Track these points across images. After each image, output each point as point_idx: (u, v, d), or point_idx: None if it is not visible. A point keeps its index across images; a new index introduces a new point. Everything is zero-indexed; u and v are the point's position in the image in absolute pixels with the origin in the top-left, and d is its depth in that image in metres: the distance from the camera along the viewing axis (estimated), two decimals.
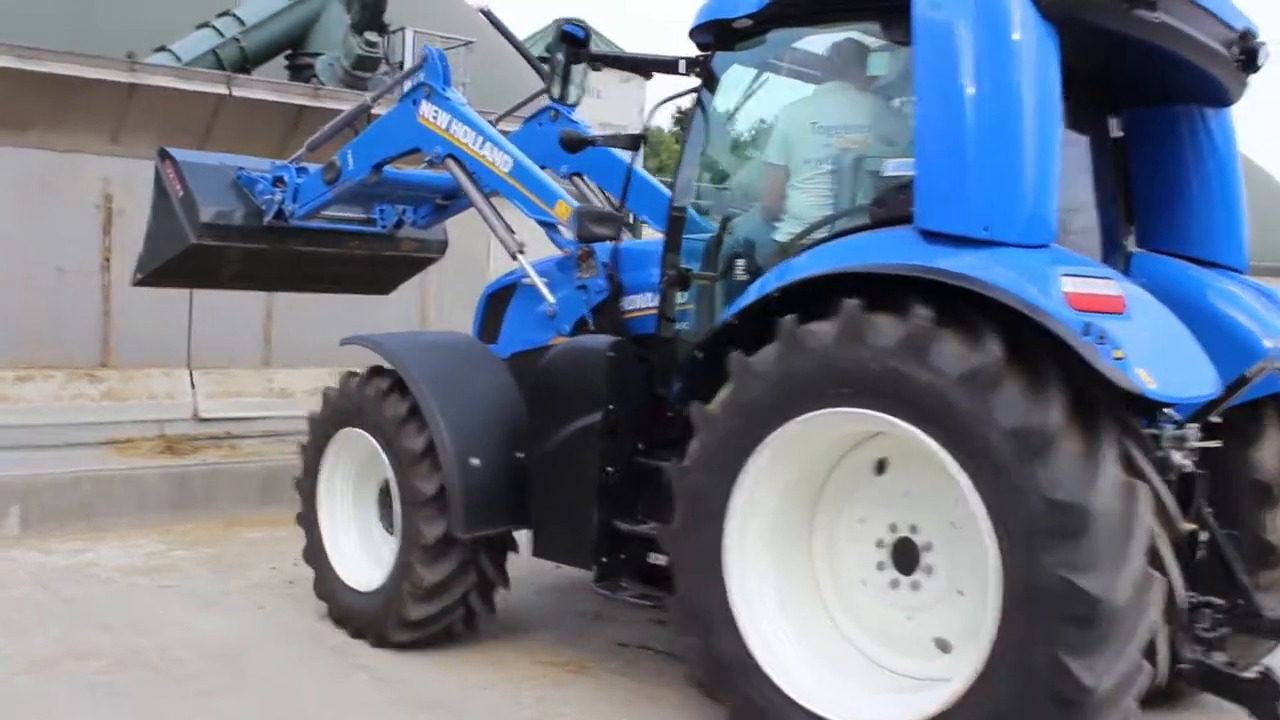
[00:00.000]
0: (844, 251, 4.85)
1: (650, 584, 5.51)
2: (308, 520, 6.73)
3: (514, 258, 6.52)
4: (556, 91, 6.14)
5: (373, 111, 7.84)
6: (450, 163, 6.79)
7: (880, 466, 4.96)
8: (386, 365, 6.30)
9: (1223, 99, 5.54)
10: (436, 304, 13.63)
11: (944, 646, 4.73)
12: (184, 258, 8.13)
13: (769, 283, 4.93)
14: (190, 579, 7.37)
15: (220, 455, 9.85)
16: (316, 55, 15.00)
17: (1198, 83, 5.32)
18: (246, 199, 8.05)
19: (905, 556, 4.80)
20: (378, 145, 7.23)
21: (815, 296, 4.64)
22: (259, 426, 11.25)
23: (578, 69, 6.12)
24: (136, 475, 9.03)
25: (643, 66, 6.53)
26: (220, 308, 11.01)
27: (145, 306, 10.90)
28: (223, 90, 11.07)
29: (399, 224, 8.44)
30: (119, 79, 10.52)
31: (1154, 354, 4.29)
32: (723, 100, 5.79)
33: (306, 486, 6.74)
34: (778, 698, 4.69)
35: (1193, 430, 4.75)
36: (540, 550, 5.95)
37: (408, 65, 16.04)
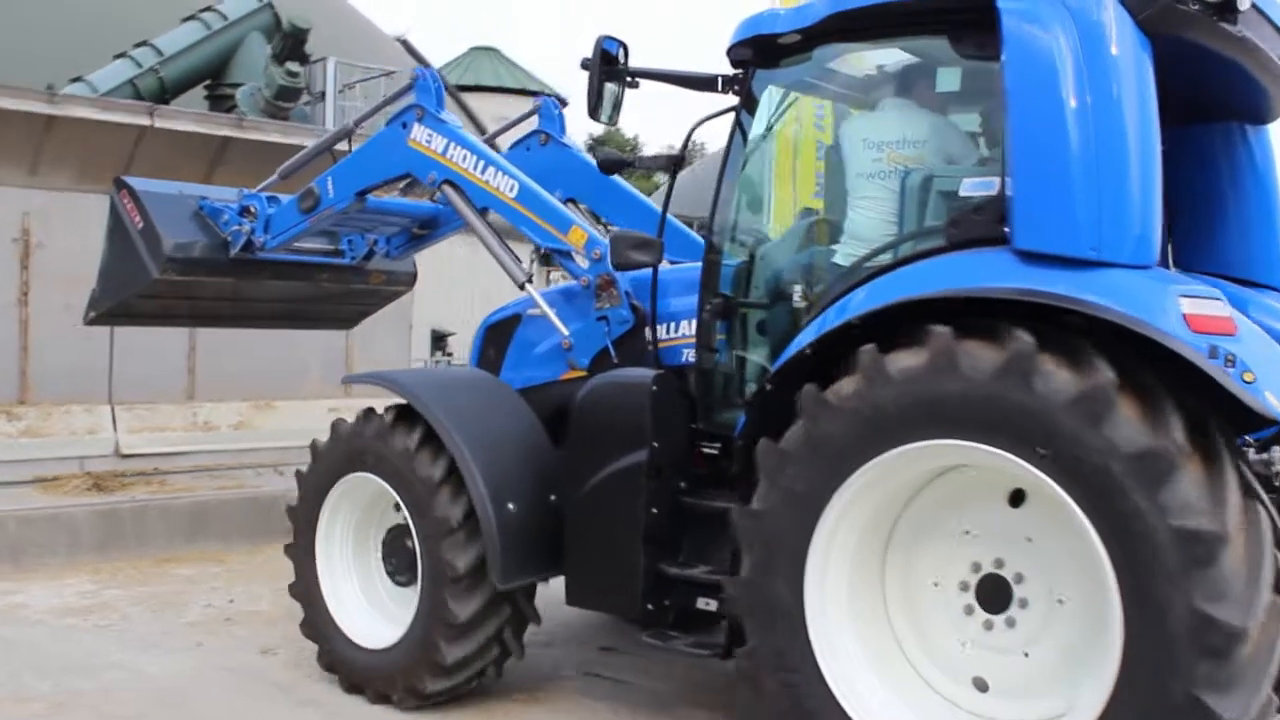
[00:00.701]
0: (932, 275, 4.55)
1: (687, 629, 5.27)
2: (301, 560, 6.21)
3: (521, 288, 6.18)
4: (591, 109, 5.71)
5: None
6: (447, 189, 6.40)
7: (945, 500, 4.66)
8: (398, 402, 5.84)
9: (1266, 115, 5.38)
10: (363, 335, 13.54)
11: (1042, 685, 4.39)
12: (144, 294, 7.70)
13: (850, 308, 4.60)
14: (126, 619, 7.21)
15: (149, 491, 9.67)
16: (237, 85, 14.88)
17: (1250, 98, 5.16)
18: (211, 230, 7.54)
19: (994, 594, 4.49)
20: (362, 172, 6.81)
21: (884, 326, 4.42)
22: (186, 461, 11.09)
23: (610, 86, 5.74)
24: (64, 514, 8.84)
25: (679, 83, 6.18)
26: (142, 341, 10.82)
27: (64, 341, 10.71)
28: (145, 121, 10.94)
29: (369, 255, 7.96)
30: (37, 110, 10.35)
31: (1271, 375, 4.15)
32: (762, 120, 5.54)
33: (304, 528, 6.18)
34: None
35: (1278, 452, 4.51)
36: (576, 598, 5.56)
37: (329, 95, 16.08)
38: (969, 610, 4.52)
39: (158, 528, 9.06)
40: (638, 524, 5.21)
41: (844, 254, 5.15)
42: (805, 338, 4.74)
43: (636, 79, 5.85)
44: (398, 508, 5.79)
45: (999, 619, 4.46)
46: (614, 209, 6.91)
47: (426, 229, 7.73)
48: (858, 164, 5.17)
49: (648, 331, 5.78)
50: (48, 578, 8.08)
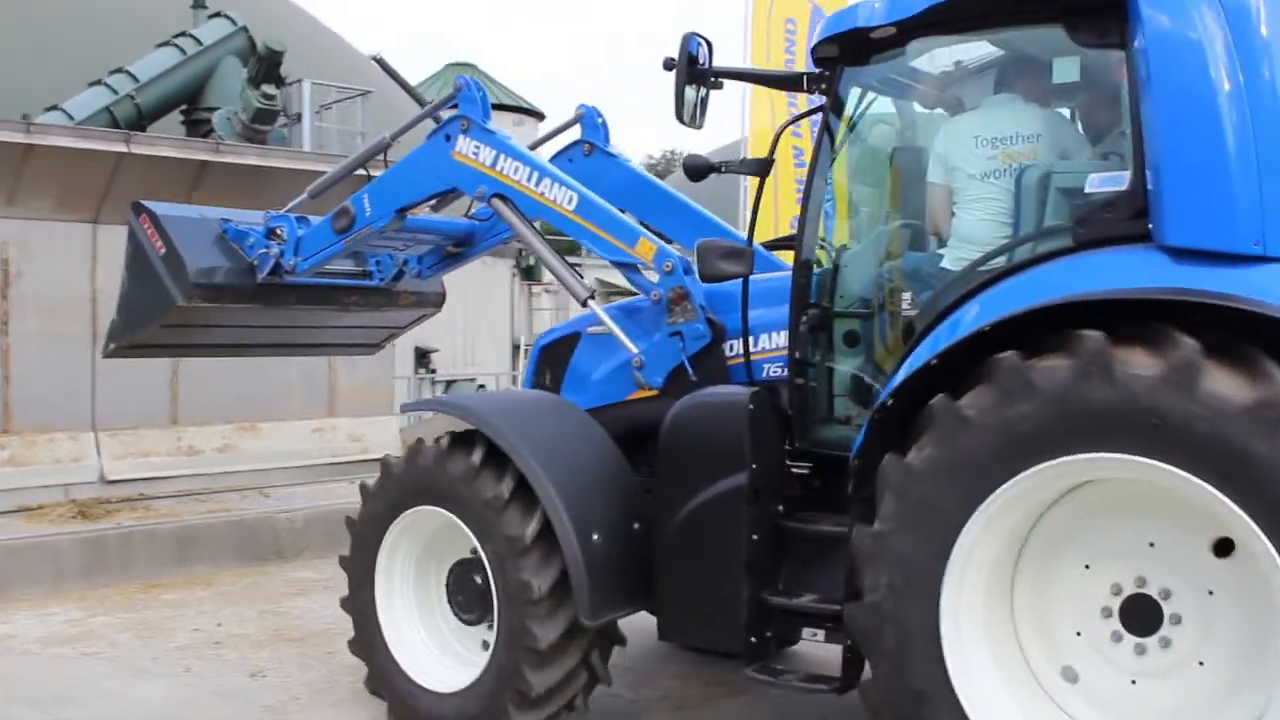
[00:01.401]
0: (1068, 276, 4.24)
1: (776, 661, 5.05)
2: (360, 609, 5.81)
3: (584, 305, 5.83)
4: (677, 112, 5.42)
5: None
6: (497, 203, 6.07)
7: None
8: (456, 429, 5.53)
9: None
10: (346, 359, 13.55)
11: (1231, 685, 4.04)
12: (167, 323, 7.37)
13: (975, 315, 4.30)
14: (114, 646, 7.20)
15: (134, 518, 9.65)
16: (213, 110, 14.91)
17: None
18: (236, 255, 7.17)
19: (1139, 616, 4.14)
20: (403, 188, 6.46)
21: (1014, 334, 4.10)
22: (170, 486, 11.08)
23: (691, 88, 5.45)
24: (48, 542, 8.81)
25: (764, 82, 5.91)
26: (124, 367, 10.79)
27: (46, 368, 10.74)
28: (122, 148, 10.92)
29: (399, 276, 7.59)
30: (14, 139, 10.33)
31: None
32: (853, 119, 5.22)
33: (360, 571, 5.79)
34: None
35: None
36: (671, 633, 5.27)
37: (306, 116, 16.10)
38: (1117, 637, 4.16)
39: (144, 554, 9.04)
40: (739, 552, 4.90)
41: (953, 258, 4.85)
42: (930, 348, 4.37)
43: (720, 80, 5.61)
44: (461, 539, 5.45)
45: (1150, 641, 4.11)
46: (666, 218, 6.67)
47: (461, 247, 7.45)
48: (967, 163, 4.85)
49: (727, 346, 5.54)
50: (33, 607, 8.06)
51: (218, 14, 15.83)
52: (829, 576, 4.78)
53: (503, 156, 6.04)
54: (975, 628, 4.22)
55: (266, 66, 14.71)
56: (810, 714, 5.88)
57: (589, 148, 6.77)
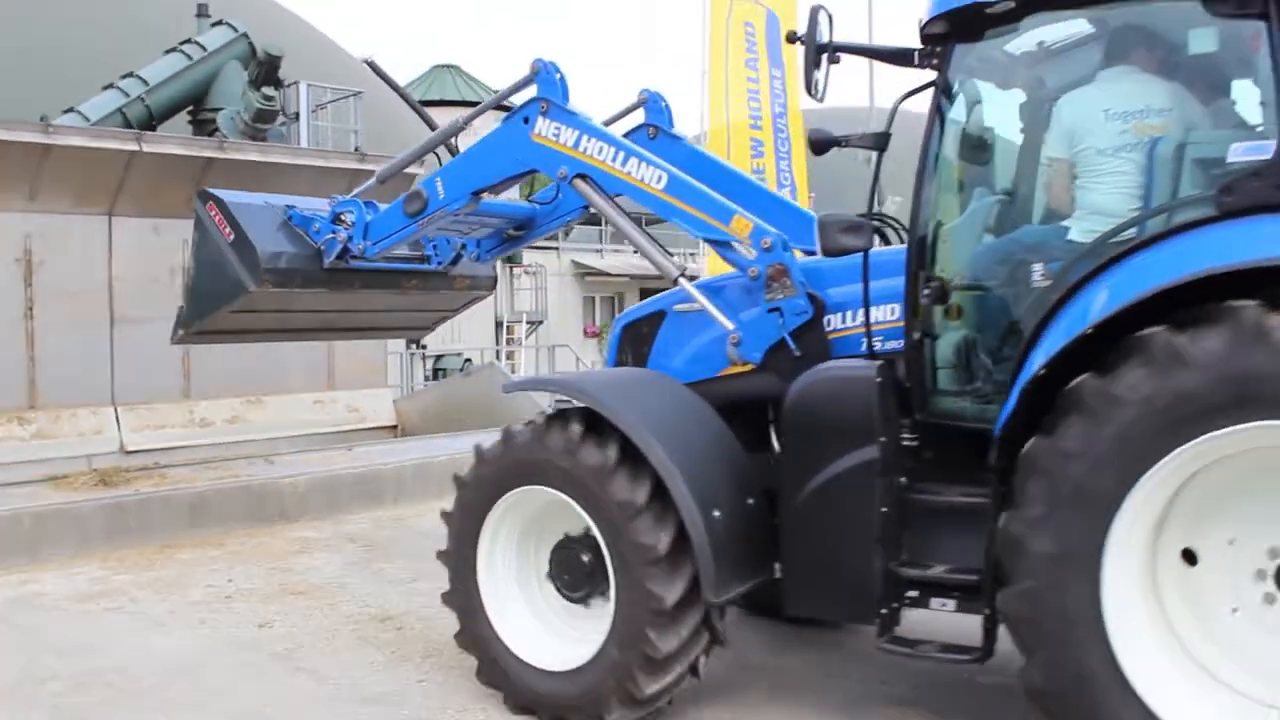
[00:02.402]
0: (1219, 245, 3.93)
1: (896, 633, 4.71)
2: (463, 600, 5.35)
3: (675, 283, 5.54)
4: (808, 85, 5.03)
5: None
6: (581, 184, 5.70)
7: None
8: (564, 407, 5.20)
9: None
10: None
11: None
12: (237, 309, 7.08)
13: (1136, 285, 3.91)
14: (135, 601, 7.22)
15: (151, 485, 9.62)
16: (218, 110, 14.83)
17: None
18: (302, 240, 6.83)
19: None
20: (479, 171, 6.06)
21: (1155, 307, 3.83)
22: (184, 455, 11.11)
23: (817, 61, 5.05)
24: (73, 508, 8.79)
25: (877, 57, 5.54)
26: (141, 346, 10.86)
27: (69, 350, 10.76)
28: (134, 147, 10.90)
29: (456, 260, 7.20)
30: (34, 140, 10.30)
31: None
32: (966, 96, 4.90)
33: (461, 560, 5.33)
34: None
35: None
36: (799, 605, 4.96)
37: (303, 115, 16.01)
38: (1270, 599, 3.90)
39: (160, 518, 9.04)
40: (871, 524, 4.62)
41: (1082, 230, 4.52)
42: (1078, 319, 4.04)
43: (839, 54, 5.18)
44: (559, 519, 5.13)
45: None
46: (733, 198, 6.04)
47: (521, 230, 7.02)
48: (1097, 138, 4.52)
49: (828, 320, 5.22)
50: (61, 567, 8.07)
51: (220, 22, 15.72)
52: (955, 546, 4.56)
53: (585, 137, 5.68)
54: (1136, 606, 3.93)
55: (266, 70, 14.62)
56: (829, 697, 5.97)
57: (654, 131, 6.39)
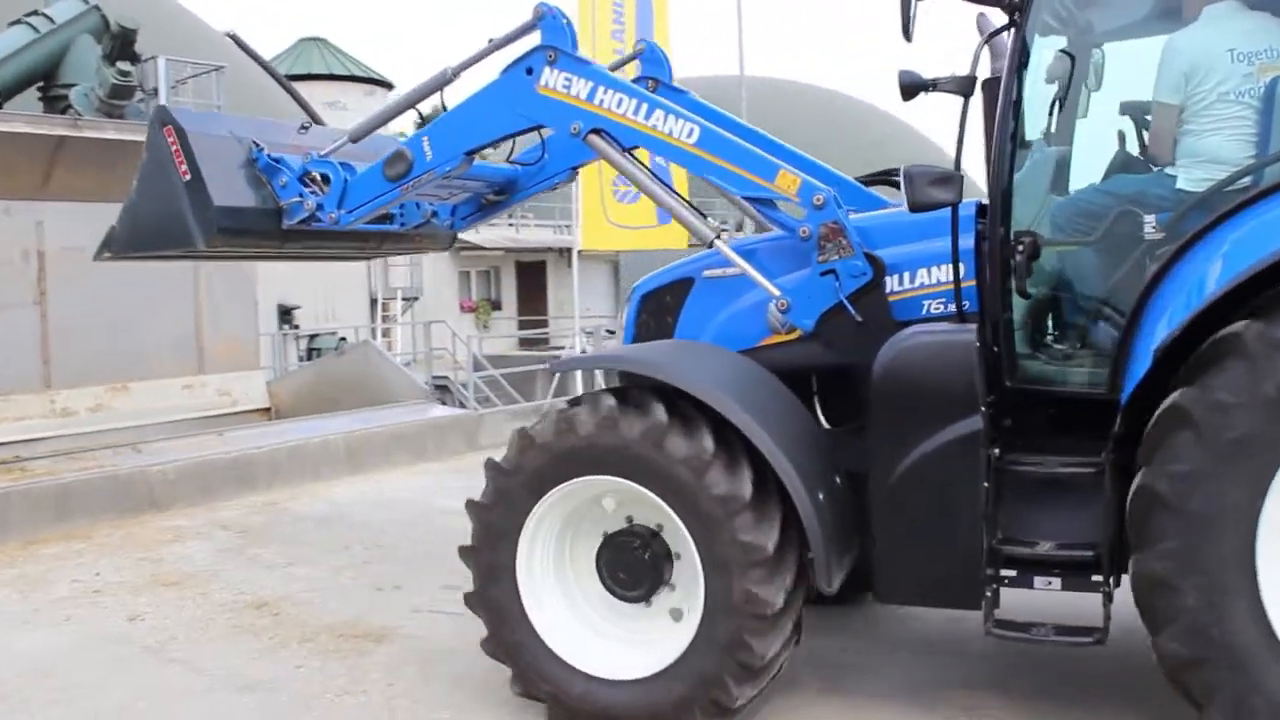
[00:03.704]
0: None
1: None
2: (496, 602, 4.71)
3: (710, 245, 5.10)
4: (904, 27, 4.52)
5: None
6: (596, 140, 5.22)
7: None
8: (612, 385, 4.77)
9: None
10: (211, 313, 13.23)
11: None
12: (179, 255, 6.42)
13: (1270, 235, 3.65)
14: None
15: (11, 479, 9.24)
16: (70, 86, 14.15)
17: None
18: (263, 190, 6.04)
19: None
20: (474, 128, 5.47)
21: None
22: (45, 447, 10.71)
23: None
24: None
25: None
26: None
27: None
28: None
29: (422, 226, 6.58)
30: None
31: None
32: (1050, 37, 4.59)
33: (496, 557, 4.67)
34: None
35: None
36: (894, 592, 4.59)
37: (162, 92, 15.41)
38: None
39: (22, 513, 8.69)
40: (977, 500, 4.23)
41: (1193, 179, 4.28)
42: (1219, 272, 3.74)
43: None
44: (607, 512, 4.66)
45: None
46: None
47: (501, 195, 6.44)
48: (1218, 79, 4.23)
49: (891, 282, 4.78)
50: None
51: None
52: (1057, 520, 4.27)
53: (601, 88, 5.17)
54: None
55: (121, 44, 13.99)
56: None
57: (653, 84, 5.87)
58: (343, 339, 19.82)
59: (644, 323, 5.60)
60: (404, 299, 26.93)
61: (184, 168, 5.89)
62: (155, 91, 14.96)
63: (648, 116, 5.10)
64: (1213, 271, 3.78)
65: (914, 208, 4.40)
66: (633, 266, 24.16)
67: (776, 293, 4.87)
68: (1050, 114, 4.66)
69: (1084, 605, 4.33)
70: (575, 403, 4.58)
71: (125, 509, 9.11)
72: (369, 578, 7.21)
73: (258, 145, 6.06)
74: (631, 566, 4.60)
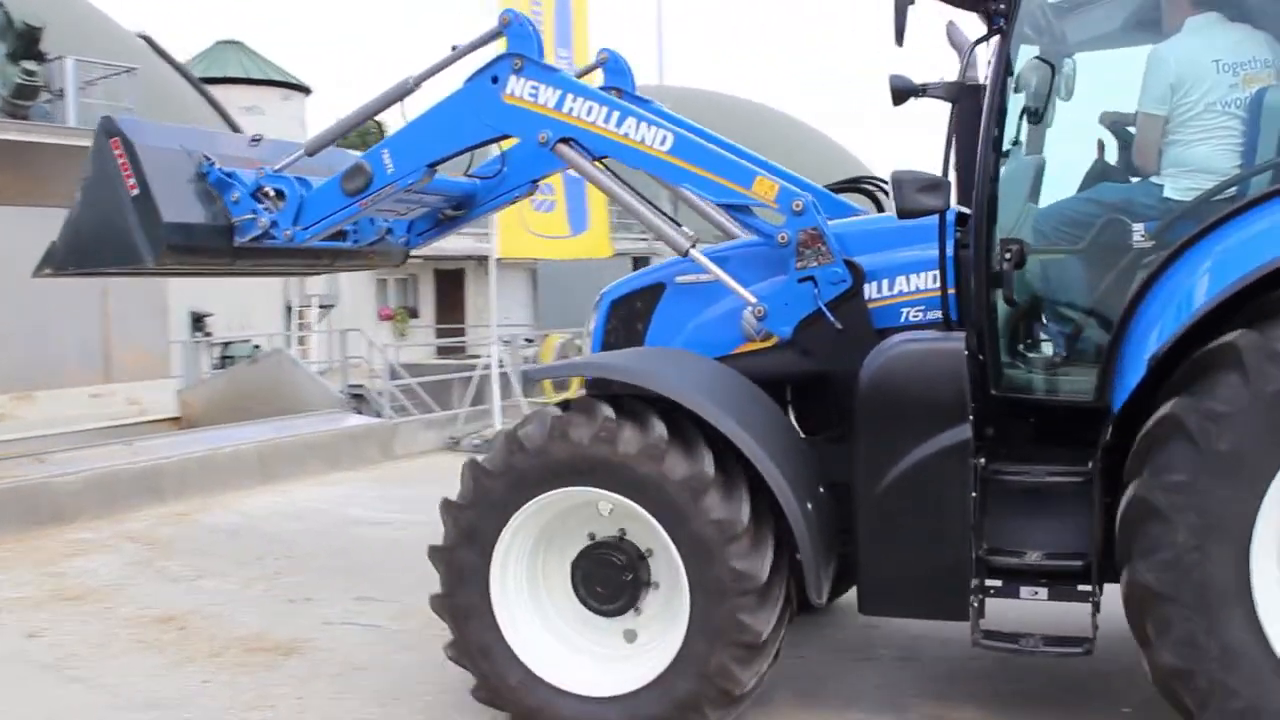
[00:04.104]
0: None
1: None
2: (464, 606, 4.56)
3: (684, 255, 4.97)
4: (897, 33, 4.43)
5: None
6: (566, 149, 5.10)
7: None
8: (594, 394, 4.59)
9: None
10: (120, 321, 12.92)
11: None
12: (124, 273, 6.15)
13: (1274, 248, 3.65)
14: None
15: None
16: None
17: None
18: (214, 205, 5.78)
19: None
20: (437, 139, 5.30)
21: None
22: None
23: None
24: None
25: (950, 1, 4.72)
26: None
27: None
28: None
29: (376, 244, 6.36)
30: None
31: None
32: (1035, 46, 4.57)
33: (468, 559, 4.52)
34: None
35: None
36: (880, 604, 4.47)
37: (70, 93, 15.03)
38: None
39: None
40: (965, 510, 4.17)
41: (1180, 188, 4.31)
42: (1209, 282, 3.77)
43: None
44: (585, 522, 4.56)
45: None
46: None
47: (459, 210, 6.22)
48: (1205, 90, 4.28)
49: (869, 289, 4.73)
50: None
51: None
52: (1042, 530, 4.25)
53: (570, 96, 5.07)
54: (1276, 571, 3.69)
55: (26, 42, 13.62)
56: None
57: (617, 94, 5.67)
58: (257, 347, 19.46)
59: (613, 329, 5.46)
60: (320, 306, 26.52)
61: (131, 182, 5.64)
62: (62, 93, 14.58)
63: (619, 124, 5.01)
64: (1205, 281, 3.80)
65: (903, 214, 4.34)
66: (551, 275, 24.06)
67: (753, 300, 4.80)
68: (1027, 122, 4.67)
69: (1067, 615, 4.36)
70: (565, 407, 4.47)
71: (28, 522, 8.82)
72: (280, 590, 7.08)
73: (208, 159, 5.84)
74: (609, 580, 4.51)
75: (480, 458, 4.59)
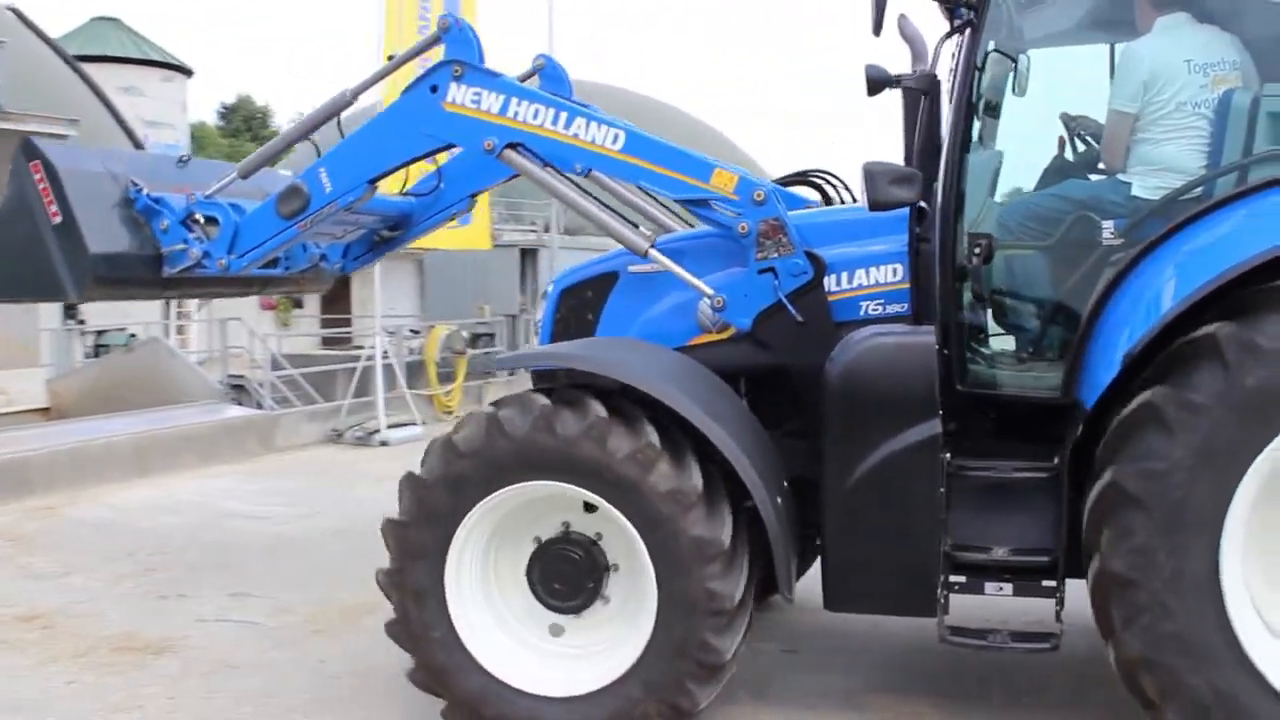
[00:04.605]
0: None
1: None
2: (423, 628, 4.34)
3: (645, 255, 4.89)
4: (876, 24, 4.42)
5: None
6: (514, 155, 4.97)
7: None
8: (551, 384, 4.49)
9: None
10: None
11: None
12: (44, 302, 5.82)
13: (1249, 246, 3.70)
14: None
15: None
16: None
17: None
18: (142, 233, 5.51)
19: None
20: (378, 154, 5.17)
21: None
22: None
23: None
24: None
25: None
26: None
27: None
28: None
29: (309, 270, 6.07)
30: None
31: None
32: (1003, 42, 4.54)
33: (422, 579, 4.31)
34: None
35: None
36: (845, 599, 4.39)
37: None
38: None
39: None
40: (935, 506, 4.15)
41: (1148, 186, 4.34)
42: (1182, 279, 3.81)
43: None
44: (533, 520, 4.43)
45: None
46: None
47: (395, 230, 6.04)
48: (1177, 90, 4.30)
49: (828, 282, 4.68)
50: None
51: None
52: (1007, 525, 4.25)
53: (515, 100, 4.94)
54: (1251, 570, 3.75)
55: None
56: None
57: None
58: (132, 335, 18.81)
59: (562, 319, 5.32)
60: None
61: (54, 209, 5.33)
62: None
63: (568, 125, 4.92)
64: (1178, 280, 3.84)
65: (875, 206, 4.32)
66: (438, 266, 23.75)
67: (710, 292, 4.73)
68: (987, 117, 4.67)
69: (1029, 611, 4.43)
70: (498, 405, 4.31)
71: None
72: (152, 586, 6.88)
73: (136, 184, 5.55)
74: (568, 577, 4.38)
75: (419, 470, 4.36)
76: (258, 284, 6.25)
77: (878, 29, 4.42)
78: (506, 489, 4.23)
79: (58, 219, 5.32)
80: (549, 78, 5.66)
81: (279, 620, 6.18)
